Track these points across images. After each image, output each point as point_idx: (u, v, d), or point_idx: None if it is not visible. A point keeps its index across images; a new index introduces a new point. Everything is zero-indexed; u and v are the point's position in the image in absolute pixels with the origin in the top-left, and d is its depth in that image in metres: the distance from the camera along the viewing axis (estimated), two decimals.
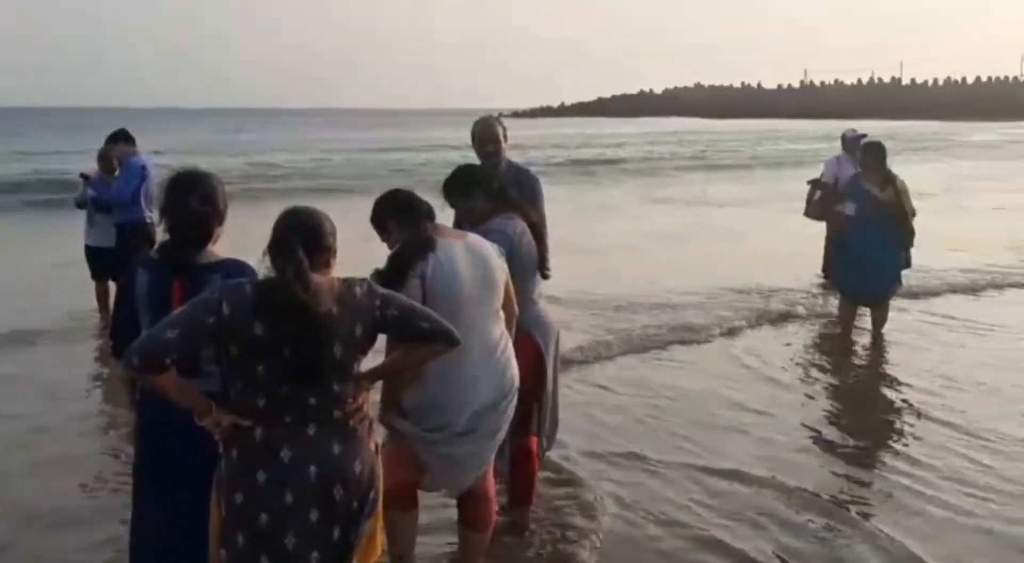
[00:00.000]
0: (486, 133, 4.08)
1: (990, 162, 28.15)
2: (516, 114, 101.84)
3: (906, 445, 4.68)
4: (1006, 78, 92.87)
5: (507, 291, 3.04)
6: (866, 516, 3.80)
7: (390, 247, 2.91)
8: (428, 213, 2.93)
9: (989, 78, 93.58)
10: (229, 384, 2.26)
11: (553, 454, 3.99)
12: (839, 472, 4.31)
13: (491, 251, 2.99)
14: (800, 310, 7.68)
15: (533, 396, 3.48)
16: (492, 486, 3.15)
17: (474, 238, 3.01)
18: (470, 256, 2.90)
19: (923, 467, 4.30)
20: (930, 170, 22.73)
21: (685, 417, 5.08)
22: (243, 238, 2.76)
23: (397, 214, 2.92)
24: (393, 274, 2.67)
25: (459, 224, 4.01)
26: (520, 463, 3.56)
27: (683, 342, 6.73)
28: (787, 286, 8.47)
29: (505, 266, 3.03)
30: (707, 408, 5.24)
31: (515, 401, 3.03)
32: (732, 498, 3.94)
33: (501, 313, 3.02)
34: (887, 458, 4.53)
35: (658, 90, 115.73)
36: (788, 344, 6.82)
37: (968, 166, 26.34)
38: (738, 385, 5.70)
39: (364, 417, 2.29)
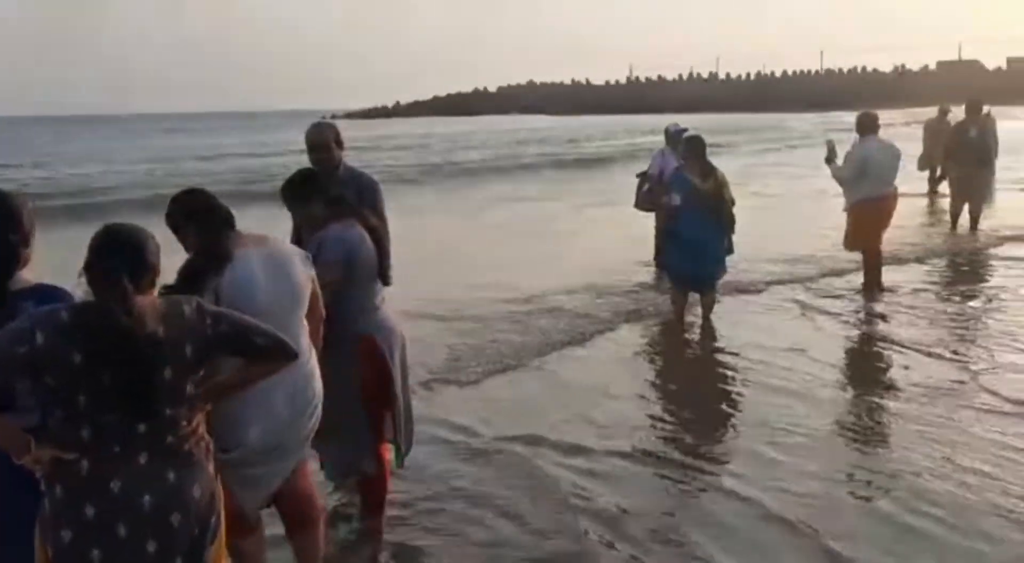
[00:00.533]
0: (317, 139, 4.02)
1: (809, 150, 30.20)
2: (349, 115, 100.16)
3: (734, 418, 5.03)
4: (808, 71, 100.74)
5: (314, 299, 2.93)
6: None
7: (187, 251, 2.77)
8: (227, 219, 2.79)
9: (794, 72, 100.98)
10: (49, 417, 2.11)
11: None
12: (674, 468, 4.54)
13: (295, 258, 2.87)
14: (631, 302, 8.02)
15: (383, 402, 3.46)
16: (309, 483, 3.07)
17: (276, 245, 2.87)
18: (270, 265, 2.76)
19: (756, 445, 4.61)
20: (749, 161, 24.25)
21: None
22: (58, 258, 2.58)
23: (194, 217, 2.77)
24: (183, 290, 2.48)
25: (298, 230, 3.94)
26: (379, 467, 3.55)
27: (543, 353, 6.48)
28: (623, 277, 8.81)
29: (312, 272, 2.93)
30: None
31: (318, 413, 2.91)
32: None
33: (306, 323, 2.88)
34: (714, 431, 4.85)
35: (492, 88, 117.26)
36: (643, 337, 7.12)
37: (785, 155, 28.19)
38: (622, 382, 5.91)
39: (200, 439, 2.20)
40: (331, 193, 3.50)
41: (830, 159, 7.99)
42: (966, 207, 10.99)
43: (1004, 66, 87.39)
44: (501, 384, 5.82)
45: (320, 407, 2.92)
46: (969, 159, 10.75)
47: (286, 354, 2.30)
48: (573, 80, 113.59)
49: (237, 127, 73.58)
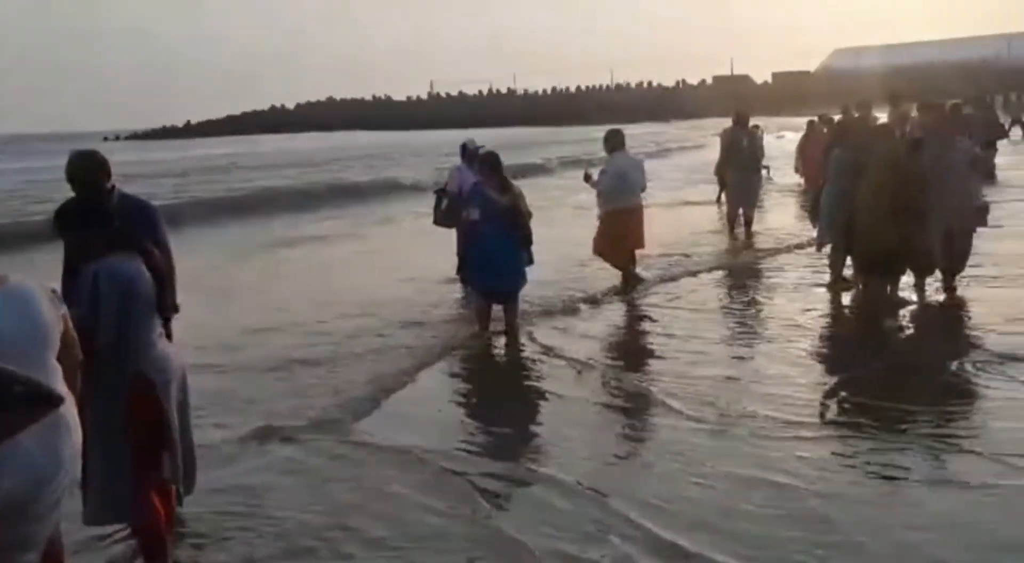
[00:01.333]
0: (74, 171, 3.77)
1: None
2: (135, 136, 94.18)
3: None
4: (600, 86, 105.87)
5: (67, 339, 2.65)
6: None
7: None
8: None
9: (588, 87, 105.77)
10: None
11: None
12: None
13: (38, 297, 2.54)
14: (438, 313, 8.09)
15: (156, 439, 3.28)
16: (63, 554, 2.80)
17: (16, 283, 2.53)
18: (11, 305, 2.46)
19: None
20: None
21: None
22: None
23: None
24: None
25: (70, 260, 3.67)
26: (147, 512, 3.33)
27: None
28: (431, 296, 8.87)
29: (63, 310, 2.64)
30: None
31: (78, 467, 2.64)
32: None
33: (59, 366, 2.58)
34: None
35: (290, 105, 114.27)
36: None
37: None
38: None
39: None
40: (105, 222, 3.30)
41: (588, 176, 8.67)
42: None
43: (770, 80, 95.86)
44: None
45: (79, 462, 2.66)
46: (742, 166, 11.74)
47: (50, 402, 2.13)
48: (374, 96, 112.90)
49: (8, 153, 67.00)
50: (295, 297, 9.08)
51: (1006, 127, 18.72)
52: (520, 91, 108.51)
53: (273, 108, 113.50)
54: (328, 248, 13.17)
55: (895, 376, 5.88)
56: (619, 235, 8.50)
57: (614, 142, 8.53)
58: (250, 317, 8.10)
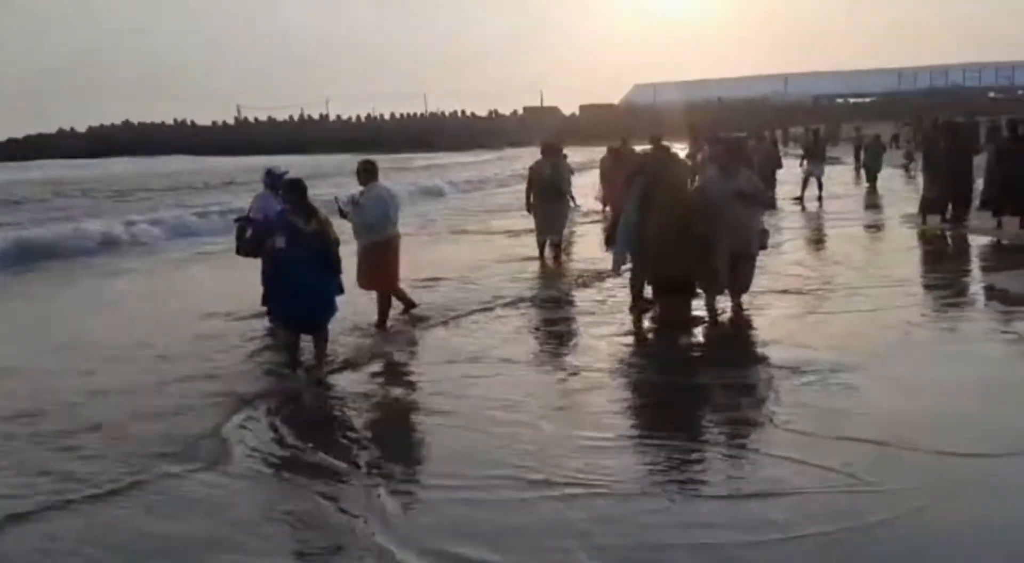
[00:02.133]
0: None
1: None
2: None
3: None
4: (413, 114, 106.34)
5: None
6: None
7: None
8: None
9: (401, 114, 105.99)
10: None
11: None
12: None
13: None
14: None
15: None
16: None
17: None
18: None
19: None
20: None
21: None
22: None
23: None
24: None
25: None
26: None
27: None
28: (234, 330, 8.43)
29: None
30: None
31: None
32: None
33: None
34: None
35: (81, 128, 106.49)
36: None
37: None
38: None
39: None
40: None
41: (342, 211, 8.23)
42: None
43: (578, 112, 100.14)
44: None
45: None
46: (546, 194, 12.09)
47: None
48: (176, 120, 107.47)
49: None
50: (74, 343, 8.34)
51: (801, 158, 20.57)
52: (333, 117, 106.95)
53: (61, 131, 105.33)
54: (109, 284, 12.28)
55: (690, 390, 6.20)
56: (379, 266, 8.28)
57: (369, 174, 8.36)
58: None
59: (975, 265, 10.89)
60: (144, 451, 5.22)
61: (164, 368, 7.17)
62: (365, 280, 8.33)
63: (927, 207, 14.09)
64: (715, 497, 4.33)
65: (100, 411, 6.07)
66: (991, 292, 9.02)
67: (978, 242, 12.18)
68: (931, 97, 76.22)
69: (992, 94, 75.97)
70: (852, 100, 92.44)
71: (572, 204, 15.61)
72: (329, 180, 26.72)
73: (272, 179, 8.39)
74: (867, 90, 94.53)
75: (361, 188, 8.32)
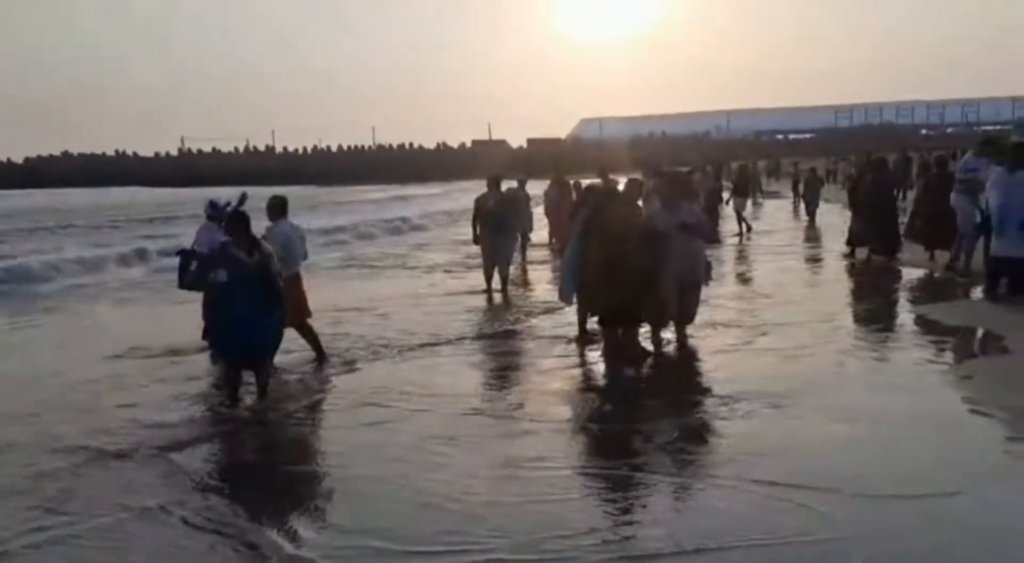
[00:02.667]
0: None
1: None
2: None
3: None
4: (361, 147, 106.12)
5: None
6: None
7: None
8: None
9: (350, 147, 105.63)
10: None
11: None
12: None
13: None
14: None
15: None
16: None
17: None
18: None
19: None
20: None
21: None
22: None
23: None
24: None
25: None
26: None
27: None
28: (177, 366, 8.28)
29: None
30: None
31: None
32: None
33: None
34: None
35: (18, 159, 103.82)
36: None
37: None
38: None
39: None
40: None
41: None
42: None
43: (525, 145, 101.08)
44: None
45: None
46: (491, 226, 12.19)
47: None
48: (117, 151, 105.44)
49: None
50: None
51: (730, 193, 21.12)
52: (279, 149, 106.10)
53: None
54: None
55: (637, 419, 6.27)
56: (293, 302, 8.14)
57: (280, 208, 8.26)
58: None
59: (906, 297, 11.21)
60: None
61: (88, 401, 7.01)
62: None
63: (854, 240, 14.51)
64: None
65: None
66: (922, 323, 9.31)
67: (911, 274, 12.56)
68: (866, 133, 78.84)
69: (924, 131, 78.86)
70: (791, 136, 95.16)
71: (525, 238, 15.78)
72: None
73: (215, 211, 8.31)
74: (806, 126, 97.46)
75: (268, 225, 8.18)
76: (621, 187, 9.63)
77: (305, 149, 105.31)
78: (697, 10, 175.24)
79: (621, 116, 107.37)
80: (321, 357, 8.28)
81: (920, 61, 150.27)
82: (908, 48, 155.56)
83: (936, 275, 12.16)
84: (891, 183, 15.13)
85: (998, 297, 9.92)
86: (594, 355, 8.31)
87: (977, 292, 10.58)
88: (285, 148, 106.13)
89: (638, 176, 10.51)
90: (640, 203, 9.05)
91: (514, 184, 15.86)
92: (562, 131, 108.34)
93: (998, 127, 78.70)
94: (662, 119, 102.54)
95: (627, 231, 7.95)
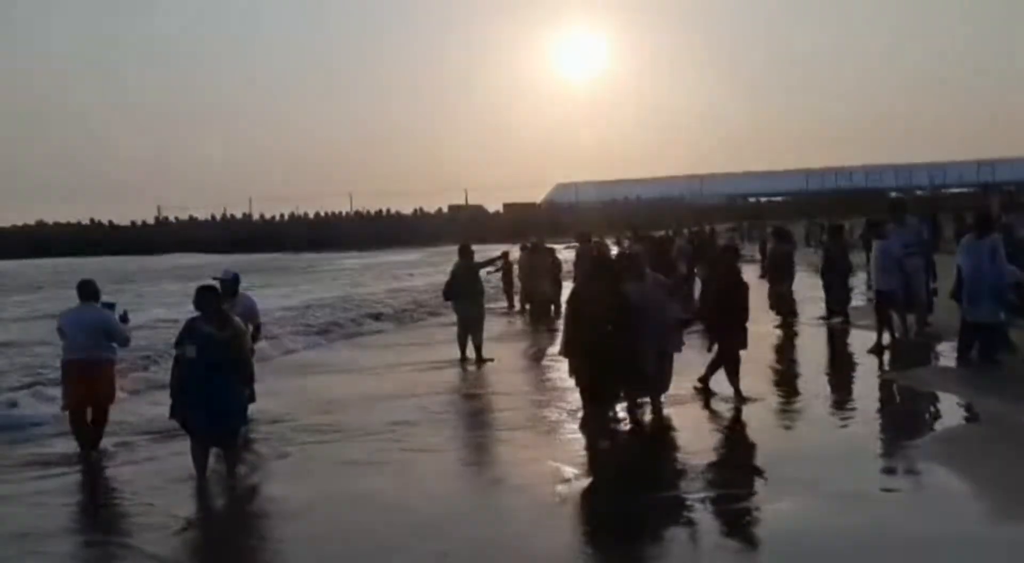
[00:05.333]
0: None
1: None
2: None
3: None
4: (338, 213, 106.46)
5: None
6: None
7: None
8: None
9: (327, 213, 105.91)
10: None
11: None
12: None
13: None
14: None
15: None
16: None
17: None
18: None
19: None
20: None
21: None
22: None
23: None
24: None
25: None
26: None
27: None
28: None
29: None
30: None
31: None
32: None
33: None
34: None
35: None
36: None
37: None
38: None
39: None
40: None
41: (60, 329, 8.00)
42: None
43: (501, 210, 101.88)
44: None
45: None
46: (461, 295, 12.21)
47: None
48: (92, 220, 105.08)
49: None
50: None
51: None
52: (256, 216, 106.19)
53: None
54: None
55: (615, 492, 6.17)
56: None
57: (87, 291, 8.03)
58: None
59: (877, 363, 11.11)
60: None
61: None
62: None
63: (829, 306, 14.63)
64: None
65: None
66: (897, 390, 9.33)
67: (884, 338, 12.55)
68: (837, 197, 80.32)
69: (893, 194, 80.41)
70: (764, 199, 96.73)
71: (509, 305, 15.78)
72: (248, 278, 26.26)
73: (223, 283, 8.30)
74: (778, 190, 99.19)
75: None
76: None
77: (283, 216, 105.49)
78: (672, 77, 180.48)
79: (596, 180, 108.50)
80: (93, 445, 7.87)
81: (888, 126, 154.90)
82: (877, 114, 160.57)
83: (898, 338, 11.93)
84: (845, 248, 15.06)
85: (970, 362, 9.96)
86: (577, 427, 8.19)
87: (946, 358, 10.59)
88: (263, 215, 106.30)
89: (597, 238, 10.52)
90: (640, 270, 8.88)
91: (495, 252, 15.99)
92: (538, 195, 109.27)
93: (964, 189, 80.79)
94: (636, 183, 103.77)
95: (605, 313, 7.84)
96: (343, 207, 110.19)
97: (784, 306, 14.82)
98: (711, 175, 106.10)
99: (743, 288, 8.97)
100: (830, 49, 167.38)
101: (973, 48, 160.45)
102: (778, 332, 13.81)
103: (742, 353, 8.76)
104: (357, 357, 13.81)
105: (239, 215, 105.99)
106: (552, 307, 16.79)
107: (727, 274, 9.08)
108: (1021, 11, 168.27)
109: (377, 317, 18.57)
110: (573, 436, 7.93)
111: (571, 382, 8.10)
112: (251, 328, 7.88)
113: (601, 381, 7.83)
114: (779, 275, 15.13)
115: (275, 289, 28.04)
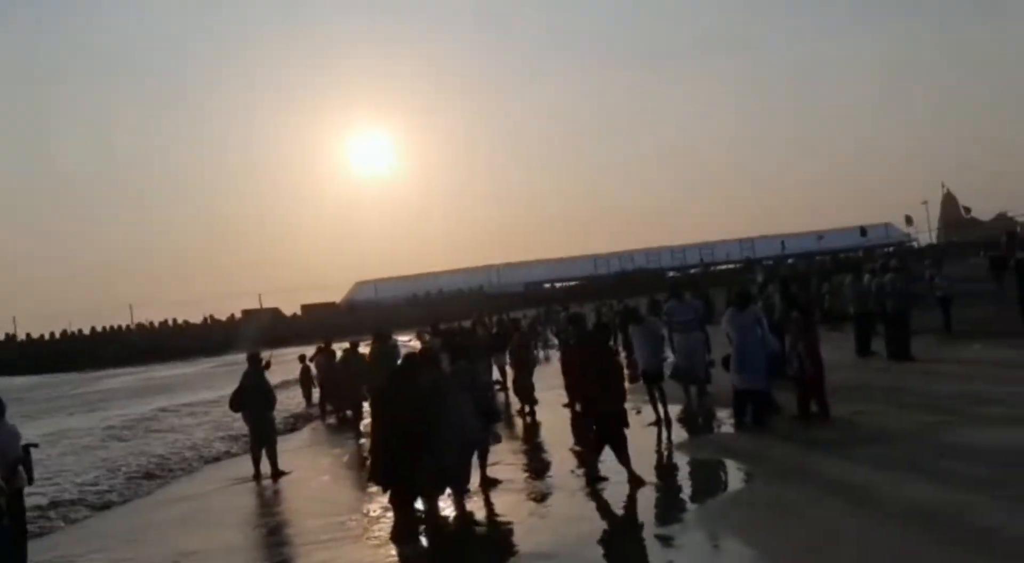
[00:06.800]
0: None
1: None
2: None
3: None
4: (120, 327, 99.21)
5: None
6: None
7: None
8: None
9: (105, 328, 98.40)
10: None
11: None
12: None
13: None
14: None
15: None
16: None
17: None
18: None
19: None
20: None
21: None
22: None
23: None
24: None
25: None
26: None
27: None
28: None
29: None
30: None
31: None
32: None
33: None
34: None
35: None
36: None
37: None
38: None
39: None
40: None
41: None
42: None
43: (299, 312, 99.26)
44: None
45: None
46: (250, 405, 11.59)
47: None
48: None
49: None
50: None
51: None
52: (22, 336, 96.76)
53: None
54: None
55: None
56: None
57: None
58: None
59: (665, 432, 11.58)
60: None
61: None
62: None
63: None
64: None
65: None
66: (678, 458, 9.75)
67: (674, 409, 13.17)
68: (621, 279, 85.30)
69: (671, 273, 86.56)
70: (558, 284, 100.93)
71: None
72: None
73: None
74: (570, 275, 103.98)
75: None
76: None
77: (52, 335, 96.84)
78: (461, 170, 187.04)
79: (396, 276, 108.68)
80: None
81: (661, 210, 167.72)
82: (653, 201, 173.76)
83: (682, 409, 12.51)
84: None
85: (744, 426, 10.64)
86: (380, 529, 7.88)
87: (726, 425, 11.25)
88: (28, 335, 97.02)
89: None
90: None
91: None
92: (337, 295, 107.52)
93: (731, 265, 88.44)
94: (437, 276, 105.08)
95: (407, 412, 7.72)
96: (123, 320, 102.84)
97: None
98: (507, 264, 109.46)
99: (618, 366, 9.09)
100: (610, 145, 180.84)
101: (730, 143, 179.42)
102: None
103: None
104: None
105: (1, 336, 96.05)
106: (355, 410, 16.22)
107: (601, 353, 9.09)
108: (762, 114, 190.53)
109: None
110: (379, 545, 7.61)
111: (374, 488, 7.82)
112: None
113: (404, 480, 7.64)
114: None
115: None
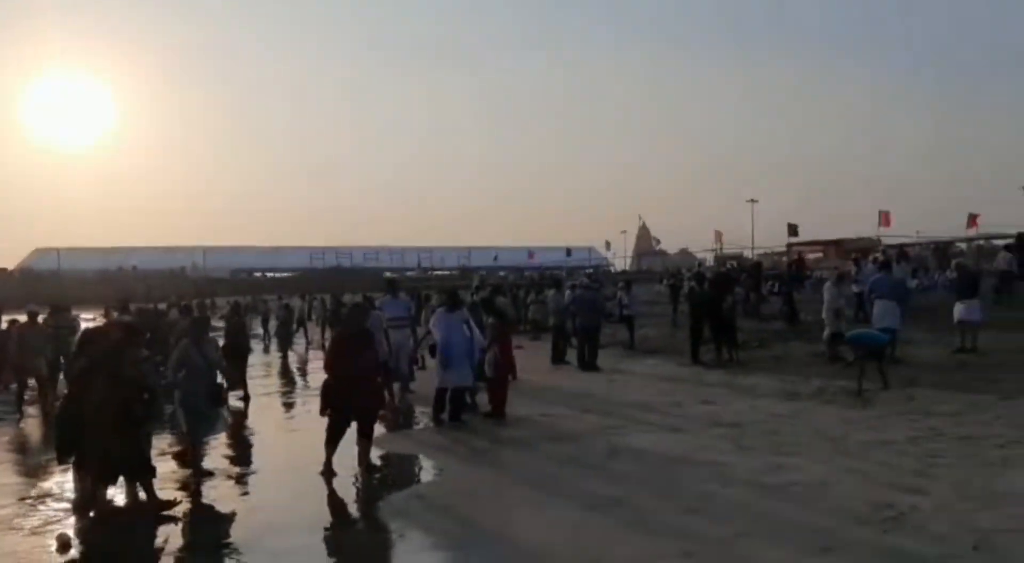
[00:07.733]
0: None
1: None
2: None
3: None
4: None
5: None
6: None
7: None
8: None
9: None
10: None
11: None
12: None
13: None
14: None
15: None
16: None
17: None
18: None
19: None
20: None
21: None
22: None
23: None
24: None
25: None
26: None
27: None
28: None
29: None
30: None
31: None
32: None
33: None
34: None
35: None
36: None
37: None
38: None
39: None
40: None
41: None
42: None
43: None
44: None
45: None
46: None
47: None
48: None
49: None
50: None
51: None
52: None
53: None
54: None
55: None
56: None
57: None
58: None
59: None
60: None
61: None
62: None
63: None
64: None
65: None
66: (379, 458, 9.85)
67: None
68: (338, 274, 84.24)
69: (387, 274, 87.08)
70: (270, 274, 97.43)
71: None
72: None
73: None
74: (284, 266, 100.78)
75: None
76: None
77: None
78: (172, 140, 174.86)
79: (85, 246, 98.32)
80: None
81: (383, 212, 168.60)
82: (378, 199, 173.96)
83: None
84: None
85: (442, 423, 11.02)
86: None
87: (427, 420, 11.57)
88: None
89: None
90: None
91: None
92: (11, 262, 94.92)
93: (446, 272, 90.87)
94: (133, 252, 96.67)
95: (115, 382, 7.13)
96: None
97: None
98: (215, 247, 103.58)
99: (373, 352, 8.97)
100: (347, 141, 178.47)
101: (437, 154, 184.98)
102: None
103: None
104: None
105: None
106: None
107: (355, 338, 8.84)
108: (497, 133, 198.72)
109: None
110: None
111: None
112: None
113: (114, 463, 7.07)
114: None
115: None
